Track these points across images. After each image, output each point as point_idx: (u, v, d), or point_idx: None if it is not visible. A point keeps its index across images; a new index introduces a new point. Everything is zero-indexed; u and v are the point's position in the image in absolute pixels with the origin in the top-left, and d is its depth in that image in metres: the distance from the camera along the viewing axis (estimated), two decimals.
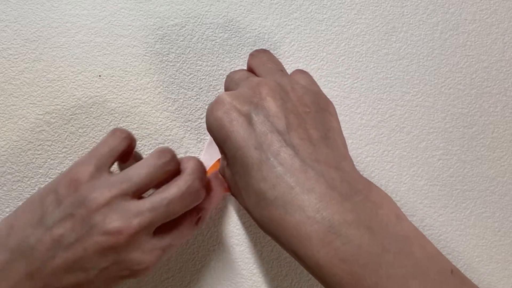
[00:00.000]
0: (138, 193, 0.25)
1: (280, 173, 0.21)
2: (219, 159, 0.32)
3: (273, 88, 0.24)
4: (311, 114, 0.24)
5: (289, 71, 0.35)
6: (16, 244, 0.24)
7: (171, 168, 0.26)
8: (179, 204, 0.25)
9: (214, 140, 0.24)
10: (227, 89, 0.27)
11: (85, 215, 0.23)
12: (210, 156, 0.33)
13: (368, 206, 0.21)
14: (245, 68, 0.30)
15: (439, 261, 0.20)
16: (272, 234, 0.22)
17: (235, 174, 0.23)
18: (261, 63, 0.27)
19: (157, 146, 0.33)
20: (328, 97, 0.35)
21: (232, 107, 0.23)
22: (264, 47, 0.35)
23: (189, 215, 0.27)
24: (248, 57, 0.28)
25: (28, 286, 0.23)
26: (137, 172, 0.25)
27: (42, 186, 0.32)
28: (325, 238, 0.20)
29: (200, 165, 0.26)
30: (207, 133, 0.34)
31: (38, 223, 0.24)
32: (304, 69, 0.35)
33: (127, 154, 0.28)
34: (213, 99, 0.24)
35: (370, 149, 0.35)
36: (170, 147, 0.33)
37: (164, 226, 0.25)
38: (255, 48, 0.34)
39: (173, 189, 0.25)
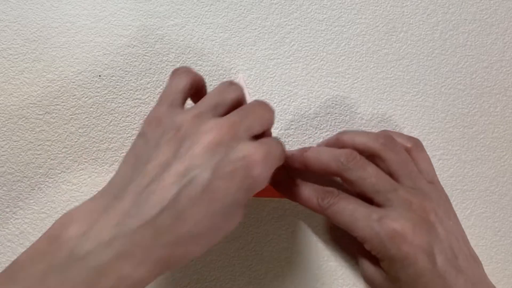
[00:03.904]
0: (215, 113, 0.25)
1: None
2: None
3: (436, 211, 0.28)
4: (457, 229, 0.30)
5: (289, 71, 0.35)
6: (117, 189, 0.22)
7: (235, 87, 0.27)
8: (258, 109, 0.25)
9: (392, 265, 0.27)
10: (355, 182, 0.28)
11: (179, 135, 0.23)
12: None
13: None
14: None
15: None
16: None
17: (399, 285, 0.28)
18: (404, 162, 0.30)
19: None
20: (328, 97, 0.35)
21: (416, 243, 0.26)
22: (264, 47, 0.35)
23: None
24: (380, 141, 0.30)
25: (139, 217, 0.21)
26: (208, 97, 0.26)
27: (44, 185, 0.32)
28: None
29: None
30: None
31: (134, 166, 0.23)
32: (305, 70, 0.35)
33: (198, 93, 0.28)
34: (385, 228, 0.27)
35: None
36: None
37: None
38: (255, 48, 0.34)
39: (250, 103, 0.26)
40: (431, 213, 0.28)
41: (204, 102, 0.25)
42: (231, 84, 0.27)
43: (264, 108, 0.26)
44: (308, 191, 0.29)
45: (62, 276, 0.19)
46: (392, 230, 0.26)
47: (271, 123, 0.26)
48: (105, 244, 0.20)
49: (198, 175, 0.22)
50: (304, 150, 0.30)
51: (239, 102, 0.27)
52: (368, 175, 0.28)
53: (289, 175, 0.31)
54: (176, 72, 0.27)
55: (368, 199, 0.29)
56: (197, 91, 0.28)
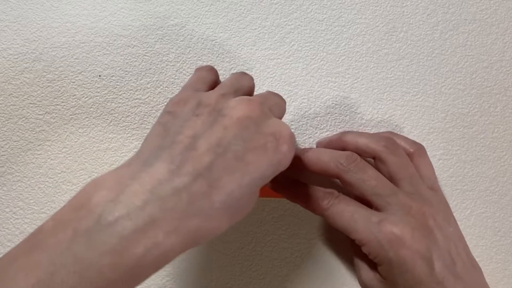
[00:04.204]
0: (236, 96, 0.26)
1: None
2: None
3: (435, 216, 0.28)
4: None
5: (289, 71, 0.35)
6: (147, 157, 0.21)
7: (248, 76, 0.28)
8: (274, 96, 0.27)
9: (389, 270, 0.27)
10: (352, 181, 0.28)
11: (209, 109, 0.23)
12: None
13: None
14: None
15: None
16: None
17: None
18: (404, 165, 0.30)
19: None
20: (328, 97, 0.35)
21: (414, 248, 0.26)
22: (264, 47, 0.35)
23: None
24: (382, 144, 0.30)
25: (173, 182, 0.20)
26: (226, 83, 0.27)
27: (42, 184, 0.32)
28: None
29: None
30: None
31: (163, 136, 0.22)
32: (305, 70, 0.35)
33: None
34: (384, 231, 0.27)
35: None
36: None
37: None
38: (255, 48, 0.34)
39: (265, 92, 0.28)
40: (430, 219, 0.28)
41: (225, 86, 0.26)
42: (245, 73, 0.28)
43: (278, 97, 0.27)
44: (307, 192, 0.29)
45: (89, 242, 0.18)
46: (391, 234, 0.26)
47: (284, 111, 0.27)
48: (137, 209, 0.18)
49: (231, 146, 0.21)
50: (305, 150, 0.30)
51: (252, 91, 0.28)
52: (368, 178, 0.28)
53: (289, 176, 0.31)
54: (202, 68, 0.29)
55: (366, 203, 0.29)
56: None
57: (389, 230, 0.26)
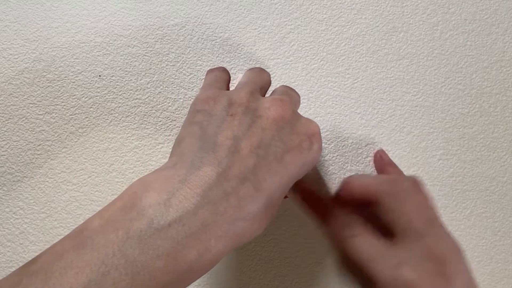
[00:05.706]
0: (261, 93, 0.26)
1: None
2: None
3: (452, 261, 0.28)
4: None
5: (289, 71, 0.35)
6: (191, 159, 0.21)
7: (267, 73, 0.29)
8: (293, 92, 0.27)
9: None
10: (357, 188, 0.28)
11: (242, 109, 0.23)
12: None
13: None
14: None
15: None
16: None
17: None
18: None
19: (157, 146, 0.33)
20: (328, 97, 0.35)
21: None
22: (264, 47, 0.35)
23: None
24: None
25: (222, 186, 0.20)
26: (250, 79, 0.27)
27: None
28: None
29: None
30: None
31: (202, 137, 0.22)
32: (305, 70, 0.35)
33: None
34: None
35: (370, 149, 0.35)
36: (170, 147, 0.33)
37: None
38: (255, 48, 0.34)
39: (282, 87, 0.28)
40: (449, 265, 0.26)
41: (250, 83, 0.26)
42: (263, 69, 0.29)
43: (295, 92, 0.27)
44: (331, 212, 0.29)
45: (142, 245, 0.18)
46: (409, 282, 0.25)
47: (299, 105, 0.28)
48: (190, 213, 0.18)
49: (271, 148, 0.22)
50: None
51: (269, 87, 0.29)
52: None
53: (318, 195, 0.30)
54: (215, 69, 0.29)
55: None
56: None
57: (407, 276, 0.25)
